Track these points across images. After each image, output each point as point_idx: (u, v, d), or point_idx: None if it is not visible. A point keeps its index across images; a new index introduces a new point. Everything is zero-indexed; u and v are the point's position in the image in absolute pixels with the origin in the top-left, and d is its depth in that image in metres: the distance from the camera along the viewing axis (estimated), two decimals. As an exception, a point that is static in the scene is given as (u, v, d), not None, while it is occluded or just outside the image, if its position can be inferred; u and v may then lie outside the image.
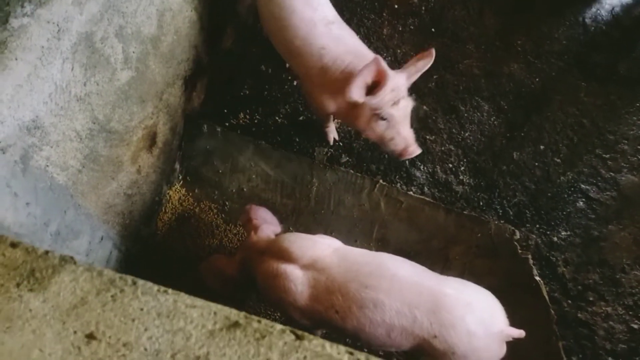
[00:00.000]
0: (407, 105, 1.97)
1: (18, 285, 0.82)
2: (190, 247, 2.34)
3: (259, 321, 0.78)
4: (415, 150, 2.00)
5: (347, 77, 1.91)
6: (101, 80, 1.68)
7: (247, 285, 1.87)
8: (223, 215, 2.40)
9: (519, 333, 1.57)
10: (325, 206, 2.39)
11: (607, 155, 2.74)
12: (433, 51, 1.90)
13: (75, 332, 0.78)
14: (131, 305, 0.79)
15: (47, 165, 1.52)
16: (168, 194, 2.41)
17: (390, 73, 1.84)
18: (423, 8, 3.12)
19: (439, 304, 1.53)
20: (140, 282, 0.82)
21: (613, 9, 3.14)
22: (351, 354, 0.75)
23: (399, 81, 1.90)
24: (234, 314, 0.79)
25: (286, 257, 1.68)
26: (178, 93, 2.29)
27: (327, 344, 0.76)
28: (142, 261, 2.23)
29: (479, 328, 1.52)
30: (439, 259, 2.29)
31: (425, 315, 1.52)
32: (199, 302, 0.80)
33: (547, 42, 3.04)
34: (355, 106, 1.96)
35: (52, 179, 1.55)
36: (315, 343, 0.76)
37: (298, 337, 0.76)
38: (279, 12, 2.07)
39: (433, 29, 3.04)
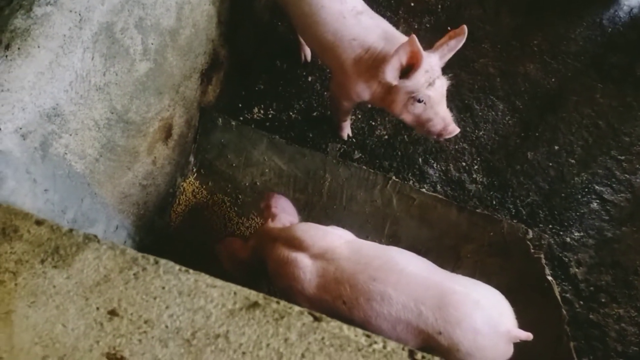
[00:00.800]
0: (442, 84, 1.95)
1: (42, 261, 0.83)
2: (203, 240, 2.35)
3: (278, 302, 0.79)
4: (454, 129, 1.99)
5: (381, 62, 1.90)
6: (120, 70, 1.70)
7: (259, 271, 1.88)
8: (236, 208, 2.41)
9: (527, 335, 1.54)
10: (338, 201, 2.39)
11: (622, 157, 2.72)
12: (465, 28, 1.86)
13: (97, 309, 0.79)
14: (153, 283, 0.81)
15: (66, 153, 1.54)
16: (182, 186, 2.43)
17: (424, 54, 1.81)
18: (439, 6, 3.11)
19: (445, 300, 1.52)
20: (162, 261, 0.83)
21: (631, 10, 3.11)
22: (368, 336, 0.76)
23: (432, 61, 1.89)
24: (253, 294, 0.80)
25: (297, 245, 1.69)
26: (194, 86, 2.31)
27: (345, 327, 0.77)
28: (155, 252, 2.19)
29: (486, 326, 1.50)
30: (450, 257, 2.28)
31: (430, 311, 1.51)
32: (219, 282, 0.81)
33: (563, 43, 3.02)
34: (390, 91, 1.96)
35: (70, 167, 1.57)
36: (332, 325, 0.77)
37: (316, 319, 0.77)
38: (308, 9, 2.07)
39: (449, 28, 3.02)
